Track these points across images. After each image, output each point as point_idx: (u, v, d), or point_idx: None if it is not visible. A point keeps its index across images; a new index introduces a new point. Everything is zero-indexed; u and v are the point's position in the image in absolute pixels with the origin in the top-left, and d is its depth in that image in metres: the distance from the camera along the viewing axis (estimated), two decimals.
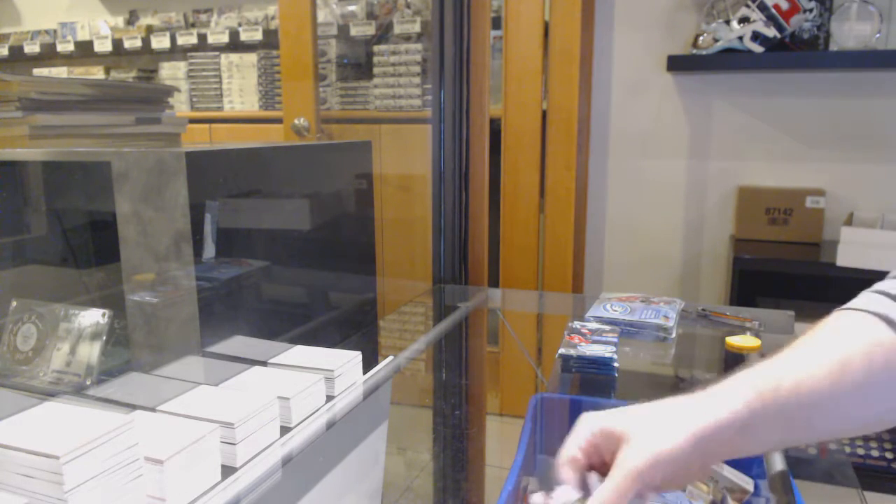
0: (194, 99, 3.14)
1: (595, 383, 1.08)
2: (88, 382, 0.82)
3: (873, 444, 1.79)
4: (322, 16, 2.75)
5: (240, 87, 3.05)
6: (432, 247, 1.84)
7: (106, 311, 0.84)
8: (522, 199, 2.32)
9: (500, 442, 1.24)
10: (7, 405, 0.70)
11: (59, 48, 3.37)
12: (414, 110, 2.60)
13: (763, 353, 1.18)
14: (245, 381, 0.89)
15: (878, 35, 2.05)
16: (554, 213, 2.31)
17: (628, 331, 1.29)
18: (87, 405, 0.68)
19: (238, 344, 0.95)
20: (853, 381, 0.53)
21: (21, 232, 1.10)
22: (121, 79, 3.37)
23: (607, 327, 1.23)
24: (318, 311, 1.21)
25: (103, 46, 3.26)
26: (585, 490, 0.58)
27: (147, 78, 3.35)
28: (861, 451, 1.77)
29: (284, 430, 0.83)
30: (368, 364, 1.04)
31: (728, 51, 2.12)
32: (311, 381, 0.88)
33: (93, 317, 0.84)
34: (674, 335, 1.28)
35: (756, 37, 2.07)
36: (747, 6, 2.09)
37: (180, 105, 3.13)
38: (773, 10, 2.06)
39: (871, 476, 1.84)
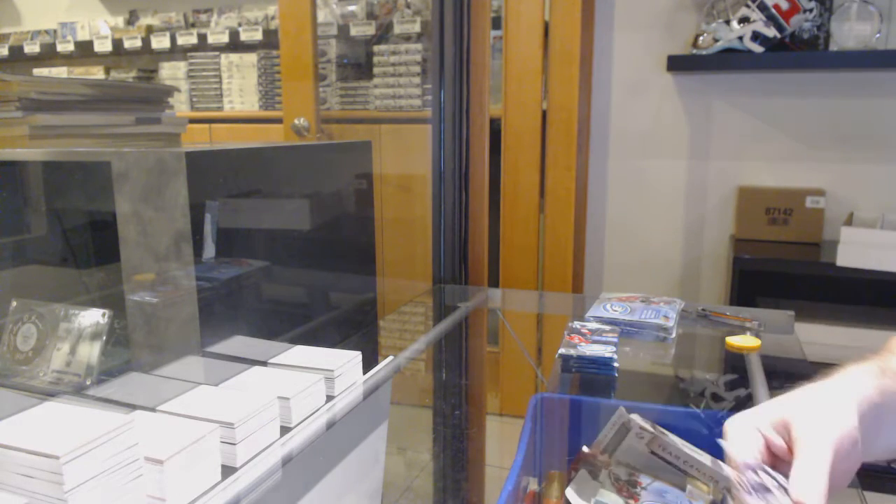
0: (194, 99, 3.14)
1: (595, 383, 1.07)
2: (88, 382, 0.82)
3: None
4: (322, 16, 2.75)
5: (240, 87, 3.05)
6: (432, 247, 1.83)
7: (106, 311, 0.84)
8: (522, 199, 2.32)
9: (500, 442, 1.25)
10: (7, 405, 0.70)
11: (59, 48, 3.37)
12: (414, 110, 2.60)
13: (763, 353, 1.18)
14: (245, 381, 0.89)
15: (878, 35, 2.05)
16: (554, 213, 2.31)
17: (628, 331, 1.28)
18: (87, 405, 0.68)
19: (238, 344, 0.95)
20: None
21: (21, 232, 1.10)
22: (121, 79, 3.38)
23: (607, 327, 1.23)
24: (317, 311, 1.21)
25: (103, 46, 3.27)
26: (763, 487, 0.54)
27: (147, 78, 3.35)
28: None
29: (284, 430, 0.83)
30: (368, 364, 1.04)
31: (728, 51, 2.12)
32: (311, 381, 0.88)
33: (93, 317, 0.84)
34: (674, 335, 1.28)
35: (756, 37, 2.07)
36: (747, 6, 2.09)
37: (180, 105, 3.13)
38: (773, 10, 2.06)
39: (871, 476, 1.84)
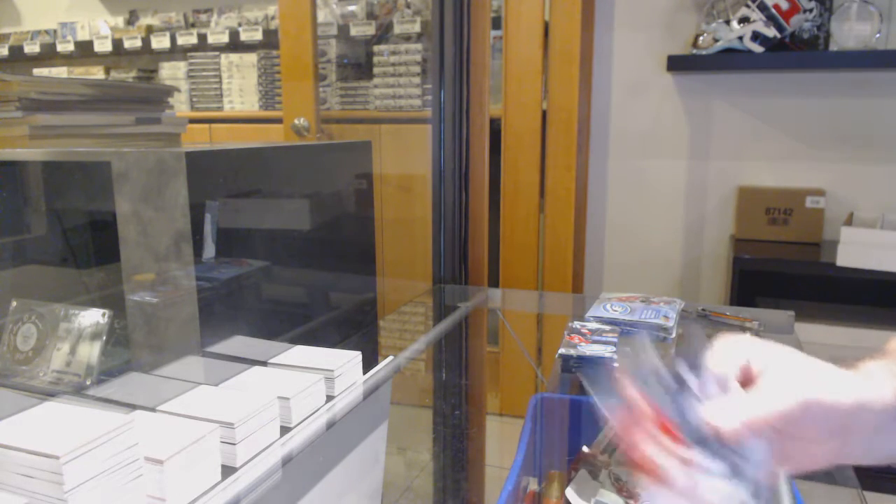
0: (194, 99, 3.14)
1: None
2: (88, 382, 0.82)
3: None
4: (322, 16, 2.75)
5: (240, 87, 3.05)
6: (432, 247, 1.83)
7: (106, 311, 0.84)
8: (522, 199, 2.32)
9: (500, 442, 1.25)
10: (7, 405, 0.70)
11: (59, 48, 3.37)
12: (414, 110, 2.60)
13: None
14: (245, 381, 0.89)
15: (878, 35, 2.05)
16: (554, 213, 2.31)
17: (628, 331, 1.28)
18: (87, 405, 0.68)
19: (238, 344, 0.95)
20: None
21: (21, 232, 1.10)
22: (121, 79, 3.38)
23: (607, 327, 1.23)
24: (318, 311, 1.21)
25: (103, 46, 3.26)
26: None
27: (147, 78, 3.35)
28: None
29: (284, 430, 0.83)
30: (368, 364, 1.04)
31: (728, 51, 2.12)
32: (311, 381, 0.88)
33: (93, 317, 0.84)
34: (674, 335, 1.28)
35: (756, 37, 2.07)
36: (747, 6, 2.09)
37: (180, 105, 3.13)
38: (773, 10, 2.06)
39: (871, 476, 1.84)
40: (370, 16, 2.75)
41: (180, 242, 0.86)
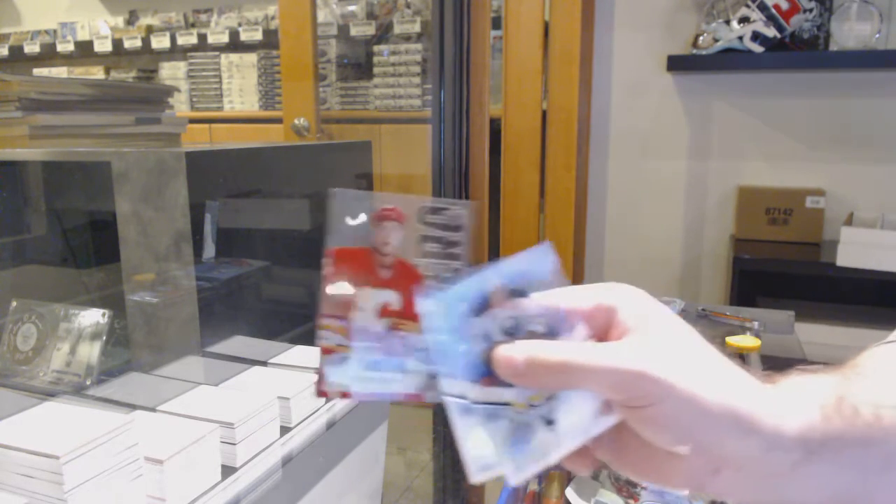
0: (194, 99, 3.14)
1: None
2: (88, 382, 0.82)
3: None
4: (322, 16, 2.75)
5: (240, 87, 3.06)
6: None
7: (106, 311, 0.84)
8: (522, 199, 2.32)
9: None
10: (7, 405, 0.70)
11: (59, 48, 3.37)
12: (414, 110, 2.60)
13: (763, 353, 1.18)
14: (245, 381, 0.89)
15: (878, 35, 2.05)
16: (554, 213, 2.31)
17: None
18: (87, 405, 0.68)
19: (238, 344, 0.95)
20: None
21: (21, 232, 1.10)
22: (121, 79, 3.38)
23: None
24: (318, 311, 1.21)
25: (103, 46, 3.26)
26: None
27: (147, 78, 3.35)
28: None
29: (284, 430, 0.83)
30: None
31: (728, 51, 2.12)
32: (311, 381, 0.88)
33: (93, 317, 0.84)
34: None
35: (756, 37, 2.08)
36: (747, 6, 2.09)
37: (180, 105, 3.13)
38: (773, 10, 2.06)
39: None
40: (370, 16, 2.75)
41: (180, 242, 0.86)
